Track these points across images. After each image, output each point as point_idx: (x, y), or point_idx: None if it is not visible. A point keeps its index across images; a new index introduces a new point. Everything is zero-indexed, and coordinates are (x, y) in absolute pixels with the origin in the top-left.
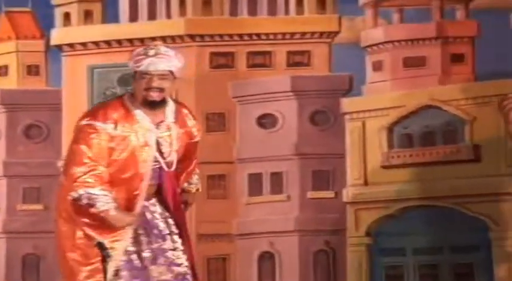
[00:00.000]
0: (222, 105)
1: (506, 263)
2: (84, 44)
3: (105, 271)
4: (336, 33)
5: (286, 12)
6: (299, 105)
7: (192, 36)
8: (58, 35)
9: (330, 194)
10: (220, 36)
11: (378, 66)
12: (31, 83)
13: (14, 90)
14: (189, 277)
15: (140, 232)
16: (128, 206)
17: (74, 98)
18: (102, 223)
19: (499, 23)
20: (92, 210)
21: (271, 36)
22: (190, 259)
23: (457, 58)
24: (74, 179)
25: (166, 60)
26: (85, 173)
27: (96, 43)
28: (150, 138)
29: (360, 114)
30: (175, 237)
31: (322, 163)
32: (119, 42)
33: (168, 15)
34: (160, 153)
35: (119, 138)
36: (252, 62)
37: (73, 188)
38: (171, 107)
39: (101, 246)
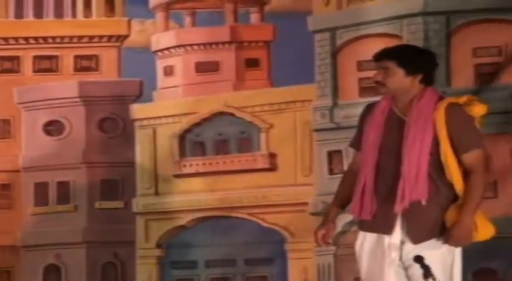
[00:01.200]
0: (7, 111)
1: (302, 276)
2: None
3: None
4: (125, 37)
5: (74, 15)
6: (87, 111)
7: None
8: None
9: (119, 204)
10: (5, 39)
11: (169, 72)
12: None
13: None
14: None
15: None
16: None
17: None
18: None
19: (296, 26)
20: None
21: (58, 40)
22: None
23: (252, 63)
24: None
25: None
26: None
27: None
28: None
29: (150, 121)
30: None
31: (111, 172)
32: None
33: None
34: None
35: None
36: (38, 66)
37: None
38: None
39: None
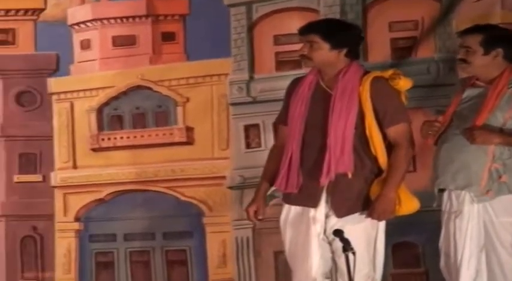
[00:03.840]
0: None
1: (220, 249)
2: None
3: None
4: (42, 10)
5: None
6: (4, 85)
7: None
8: None
9: (37, 177)
10: None
11: (85, 45)
12: None
13: None
14: None
15: None
16: None
17: None
18: None
19: (212, 0)
20: None
21: None
22: None
23: (168, 37)
24: None
25: None
26: None
27: None
28: None
29: (67, 95)
30: None
31: (29, 146)
32: None
33: None
34: None
35: None
36: None
37: None
38: None
39: None
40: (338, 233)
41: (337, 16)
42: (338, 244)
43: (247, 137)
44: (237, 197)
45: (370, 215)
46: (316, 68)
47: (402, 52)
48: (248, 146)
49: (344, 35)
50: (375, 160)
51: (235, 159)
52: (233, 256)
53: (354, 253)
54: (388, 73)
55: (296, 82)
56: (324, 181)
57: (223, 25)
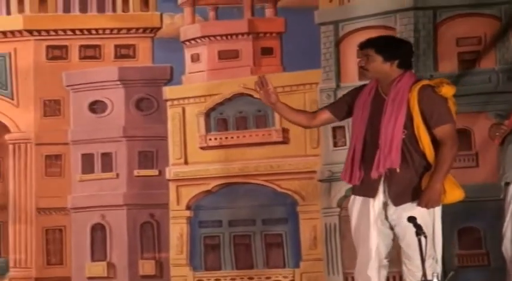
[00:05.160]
0: (57, 93)
1: (312, 233)
2: None
3: None
4: (158, 29)
5: (114, 9)
6: (126, 92)
7: (30, 31)
8: None
9: (154, 172)
10: (55, 31)
11: (195, 59)
12: None
13: None
14: None
15: None
16: None
17: None
18: None
19: (304, 19)
20: None
21: (100, 31)
22: None
23: (267, 51)
24: None
25: None
26: None
27: None
28: None
29: (180, 101)
30: None
31: (147, 145)
32: None
33: (8, 12)
34: None
35: None
36: (83, 54)
37: None
38: None
39: None
40: (412, 219)
41: (411, 33)
42: (399, 230)
43: (334, 137)
44: (326, 189)
45: (419, 204)
46: (374, 78)
47: (468, 64)
48: (335, 145)
49: (394, 49)
50: (423, 156)
51: (324, 156)
52: (322, 239)
53: (425, 237)
54: (436, 81)
55: (361, 88)
56: (374, 175)
57: (314, 41)
